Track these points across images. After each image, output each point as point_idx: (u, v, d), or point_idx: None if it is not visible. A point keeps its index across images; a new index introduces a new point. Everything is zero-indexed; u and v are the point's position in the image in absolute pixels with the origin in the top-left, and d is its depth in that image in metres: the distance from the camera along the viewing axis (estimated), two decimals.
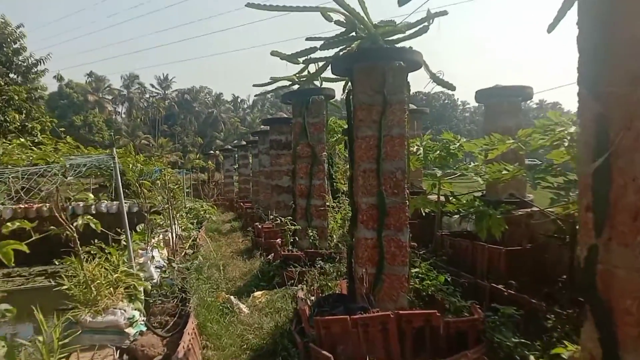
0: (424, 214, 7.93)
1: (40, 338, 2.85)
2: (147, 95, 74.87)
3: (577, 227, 4.63)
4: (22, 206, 12.39)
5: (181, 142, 65.99)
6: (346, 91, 4.98)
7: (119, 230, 5.94)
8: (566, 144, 4.39)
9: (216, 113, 72.70)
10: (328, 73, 5.46)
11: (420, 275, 5.16)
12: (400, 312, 3.84)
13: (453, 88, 5.00)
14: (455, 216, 7.69)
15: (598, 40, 1.64)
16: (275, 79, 6.94)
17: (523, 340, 3.85)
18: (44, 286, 4.46)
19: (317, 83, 7.65)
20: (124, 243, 5.75)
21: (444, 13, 4.26)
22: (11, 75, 20.00)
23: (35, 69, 21.17)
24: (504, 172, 5.01)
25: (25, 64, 20.62)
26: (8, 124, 17.42)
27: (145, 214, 8.18)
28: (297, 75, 6.83)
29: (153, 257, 7.24)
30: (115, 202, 11.46)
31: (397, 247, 4.40)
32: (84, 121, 53.11)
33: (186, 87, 76.50)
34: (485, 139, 5.58)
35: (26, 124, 18.13)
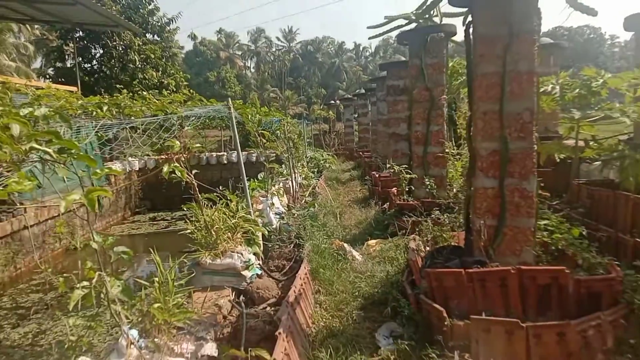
0: (558, 160, 7.11)
1: (157, 279, 3.01)
2: (274, 49, 77.00)
3: None
4: (163, 157, 13.61)
5: (306, 93, 67.44)
6: (465, 24, 4.45)
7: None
8: None
9: (338, 63, 72.72)
10: (449, 8, 4.94)
11: (549, 227, 4.61)
12: (523, 267, 3.46)
13: (594, 13, 4.22)
14: (596, 163, 6.79)
15: None
16: (390, 18, 6.50)
17: None
18: (181, 229, 4.87)
19: (437, 20, 7.04)
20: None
21: None
22: (148, 35, 21.63)
23: (169, 28, 22.66)
24: None
25: (159, 24, 22.14)
26: (147, 81, 19.01)
27: (265, 163, 8.44)
28: (414, 12, 6.33)
29: (273, 203, 7.50)
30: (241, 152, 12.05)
31: (521, 197, 3.93)
32: (217, 77, 56.42)
33: (310, 38, 77.08)
34: (635, 72, 4.71)
35: (162, 80, 19.65)
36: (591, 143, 6.44)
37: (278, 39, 76.72)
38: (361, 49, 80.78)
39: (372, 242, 6.35)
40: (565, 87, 6.54)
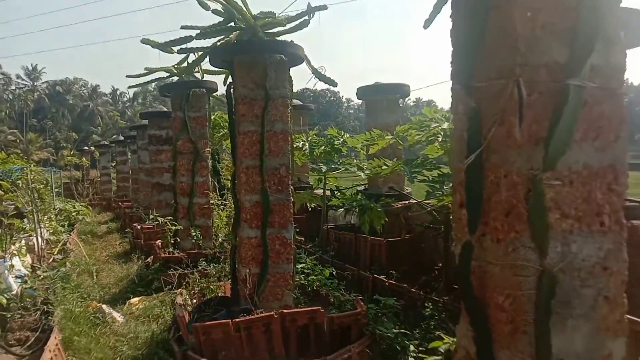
0: (310, 208, 7.95)
1: None
2: (13, 87, 67.48)
3: (451, 219, 4.89)
4: None
5: (53, 137, 60.44)
6: (227, 84, 4.74)
7: None
8: (440, 140, 4.59)
9: (92, 106, 67.63)
10: (209, 65, 5.17)
11: (305, 270, 5.11)
12: (284, 311, 3.73)
13: (334, 84, 4.98)
14: (340, 210, 7.82)
15: (470, 33, 1.63)
16: (150, 70, 6.44)
17: (403, 331, 3.94)
18: None
19: (198, 75, 7.27)
20: None
21: (324, 7, 4.20)
22: None
23: None
24: (384, 167, 5.14)
25: None
26: None
27: (3, 219, 7.23)
28: (176, 66, 6.41)
29: (12, 265, 6.43)
30: None
31: (281, 245, 4.29)
32: None
33: (59, 78, 69.96)
34: (367, 135, 5.69)
35: None
36: (336, 193, 7.41)
37: (19, 76, 67.62)
38: (118, 93, 76.99)
39: (134, 300, 5.97)
40: (313, 144, 7.42)
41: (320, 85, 5.05)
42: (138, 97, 74.94)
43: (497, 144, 1.58)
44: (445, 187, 4.40)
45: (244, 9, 4.14)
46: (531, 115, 1.51)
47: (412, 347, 3.75)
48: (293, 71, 4.60)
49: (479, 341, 1.64)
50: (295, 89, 4.81)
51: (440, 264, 5.33)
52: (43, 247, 8.16)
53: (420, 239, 5.81)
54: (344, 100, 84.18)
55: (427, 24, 2.60)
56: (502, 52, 1.56)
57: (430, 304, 4.37)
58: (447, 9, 2.06)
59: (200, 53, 4.85)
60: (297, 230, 5.06)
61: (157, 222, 7.50)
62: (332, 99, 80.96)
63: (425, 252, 5.75)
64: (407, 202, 6.21)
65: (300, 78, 5.90)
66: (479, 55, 1.63)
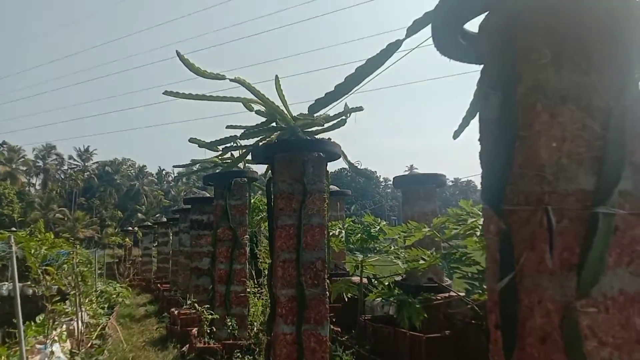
0: (347, 298, 7.83)
1: None
2: (65, 167, 71.54)
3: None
4: None
5: (99, 215, 62.77)
6: (267, 179, 4.94)
7: (14, 321, 5.31)
8: (478, 234, 4.55)
9: (138, 186, 70.52)
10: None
11: None
12: None
13: (371, 177, 5.24)
14: (378, 299, 7.66)
15: (499, 158, 1.70)
16: (195, 161, 6.81)
17: None
18: None
19: (241, 165, 7.59)
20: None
21: (360, 109, 4.43)
22: None
23: None
24: (421, 261, 5.09)
25: None
26: None
27: (47, 304, 7.43)
28: (219, 157, 6.75)
29: (52, 352, 6.51)
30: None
31: (316, 342, 4.22)
32: None
33: (108, 159, 73.93)
34: (403, 226, 5.70)
35: None
36: (374, 281, 7.32)
37: (71, 157, 71.83)
38: (164, 173, 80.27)
39: None
40: (349, 231, 7.46)
41: (359, 165, 5.18)
42: (182, 176, 77.79)
43: (530, 269, 1.59)
44: (484, 285, 4.29)
45: (285, 112, 4.40)
46: (562, 242, 1.53)
47: None
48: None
49: None
50: (331, 170, 4.95)
51: None
52: (82, 331, 8.26)
53: (463, 336, 5.58)
54: (381, 180, 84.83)
55: (456, 135, 2.71)
56: (530, 180, 1.61)
57: None
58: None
59: (243, 150, 5.11)
60: (334, 319, 4.98)
61: (194, 310, 7.54)
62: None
63: (468, 349, 5.50)
64: (447, 294, 6.05)
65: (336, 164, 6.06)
66: (508, 181, 1.68)
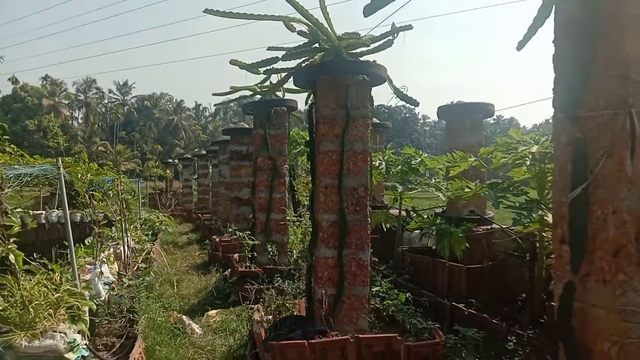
0: (385, 229, 7.84)
1: None
2: (106, 101, 72.85)
3: (538, 246, 4.60)
4: None
5: (140, 149, 64.40)
6: (308, 104, 4.82)
7: (66, 243, 5.56)
8: (528, 163, 4.37)
9: (177, 120, 71.35)
10: (291, 84, 5.30)
11: (380, 294, 5.01)
12: (360, 336, 3.67)
13: (417, 104, 4.92)
14: (416, 232, 7.64)
15: (577, 59, 1.53)
16: (235, 89, 6.71)
17: None
18: None
19: (280, 94, 7.47)
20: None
21: (409, 27, 4.17)
22: None
23: None
24: (467, 189, 4.96)
25: None
26: None
27: (94, 227, 7.75)
28: (259, 85, 6.63)
29: (101, 272, 6.84)
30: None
31: (358, 267, 4.24)
32: (37, 126, 51.11)
33: (147, 93, 74.68)
34: (448, 156, 5.53)
35: None
36: (413, 214, 7.26)
37: (111, 91, 72.89)
38: (201, 108, 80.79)
39: (212, 312, 6.15)
40: (390, 162, 7.34)
41: (395, 101, 4.97)
42: (219, 112, 78.27)
43: (606, 178, 1.46)
44: (533, 215, 4.16)
45: (329, 30, 4.19)
46: None
47: None
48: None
49: None
50: None
51: (525, 295, 5.03)
52: (129, 255, 8.65)
53: (503, 268, 5.51)
54: (419, 117, 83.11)
55: (521, 45, 2.49)
56: (612, 81, 1.45)
57: (513, 337, 4.13)
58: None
59: (283, 74, 4.97)
60: (371, 250, 5.00)
61: (235, 236, 7.72)
62: (407, 115, 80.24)
63: (509, 282, 5.45)
64: (489, 227, 5.94)
65: (376, 95, 5.87)
66: (586, 84, 1.52)
